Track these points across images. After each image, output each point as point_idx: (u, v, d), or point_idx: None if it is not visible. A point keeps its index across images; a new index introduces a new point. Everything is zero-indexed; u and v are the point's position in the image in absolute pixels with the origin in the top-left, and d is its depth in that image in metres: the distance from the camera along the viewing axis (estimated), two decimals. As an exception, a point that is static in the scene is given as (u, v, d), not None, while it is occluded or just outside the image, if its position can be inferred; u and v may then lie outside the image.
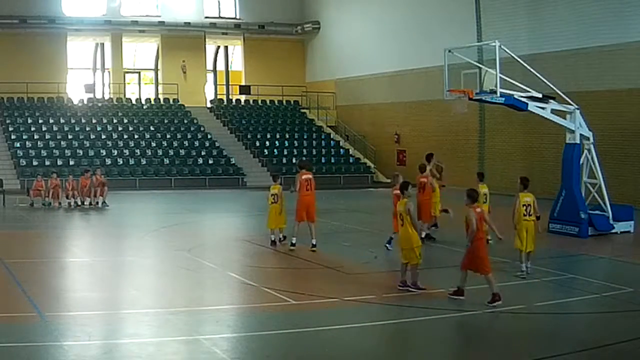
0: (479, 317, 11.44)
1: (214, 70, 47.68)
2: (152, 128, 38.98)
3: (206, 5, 44.08)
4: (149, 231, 20.68)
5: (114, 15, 41.19)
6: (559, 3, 28.70)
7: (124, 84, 43.93)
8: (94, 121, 38.43)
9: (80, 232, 22.21)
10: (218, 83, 47.79)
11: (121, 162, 35.32)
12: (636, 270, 15.65)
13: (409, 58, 36.45)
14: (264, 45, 44.67)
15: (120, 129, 38.23)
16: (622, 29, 25.72)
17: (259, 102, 44.40)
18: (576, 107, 19.67)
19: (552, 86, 19.96)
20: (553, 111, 19.71)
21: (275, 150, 38.91)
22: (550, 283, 13.93)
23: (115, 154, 35.87)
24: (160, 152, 36.87)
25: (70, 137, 36.49)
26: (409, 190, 12.99)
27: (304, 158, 37.23)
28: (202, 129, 39.92)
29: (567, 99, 19.90)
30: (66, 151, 35.10)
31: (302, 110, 44.27)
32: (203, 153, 37.30)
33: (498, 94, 18.71)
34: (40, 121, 37.54)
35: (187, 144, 37.99)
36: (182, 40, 42.92)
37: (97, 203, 26.25)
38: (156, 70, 45.43)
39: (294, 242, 16.77)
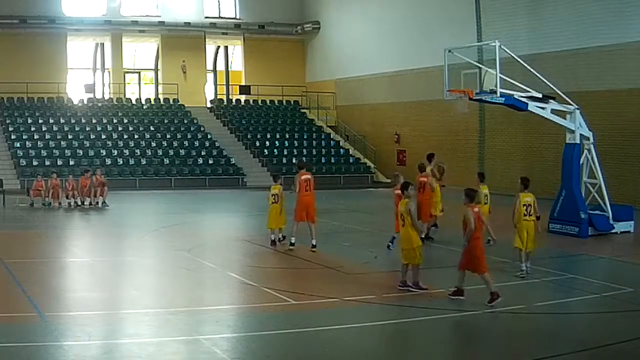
0: (479, 317, 11.43)
1: (214, 70, 47.69)
2: (152, 128, 38.98)
3: (206, 5, 44.09)
4: (149, 231, 20.68)
5: (114, 15, 41.20)
6: (559, 3, 28.70)
7: (124, 84, 43.94)
8: (94, 121, 38.43)
9: (80, 232, 22.22)
10: (218, 83, 47.80)
11: (121, 162, 35.33)
12: (636, 270, 15.65)
13: (409, 58, 36.45)
14: (264, 45, 44.68)
15: (120, 129, 38.23)
16: (622, 29, 25.72)
17: (259, 102, 44.40)
18: (576, 107, 19.67)
19: (552, 86, 19.97)
20: (553, 111, 19.71)
21: (275, 150, 38.92)
22: (550, 283, 13.93)
23: (115, 154, 35.87)
24: (160, 152, 36.87)
25: (70, 137, 36.49)
26: (409, 191, 12.99)
27: (303, 158, 37.34)
28: (202, 129, 39.92)
29: (567, 99, 19.90)
30: (66, 151, 35.10)
31: (302, 110, 44.27)
32: (203, 153, 37.31)
33: (498, 94, 18.71)
34: (40, 121, 37.54)
35: (187, 144, 37.99)
36: (182, 40, 42.92)
37: (97, 203, 26.25)
38: (156, 70, 45.43)
39: (293, 241, 16.78)
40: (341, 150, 40.27)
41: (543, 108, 19.57)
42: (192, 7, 43.18)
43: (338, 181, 37.24)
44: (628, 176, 25.67)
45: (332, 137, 41.54)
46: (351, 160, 39.46)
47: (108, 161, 34.96)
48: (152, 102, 42.98)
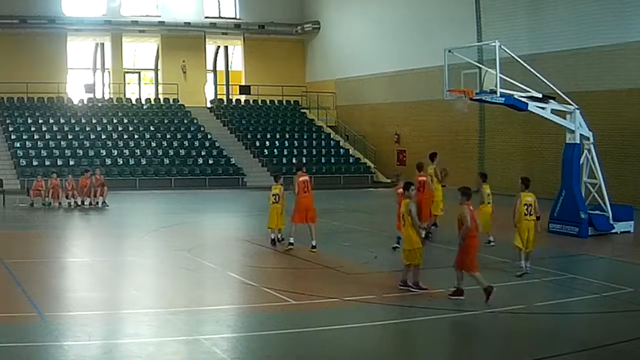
0: (479, 317, 11.44)
1: (214, 70, 47.69)
2: (152, 128, 38.98)
3: (206, 5, 44.08)
4: (149, 231, 20.68)
5: (114, 15, 41.19)
6: (559, 3, 28.70)
7: (124, 84, 43.93)
8: (94, 121, 38.43)
9: (80, 232, 22.22)
10: (218, 83, 47.79)
11: (121, 162, 35.32)
12: (636, 270, 15.65)
13: (409, 58, 36.45)
14: (264, 45, 44.68)
15: (120, 129, 38.22)
16: (622, 29, 25.71)
17: (259, 102, 44.40)
18: (576, 107, 19.67)
19: (552, 86, 19.96)
20: (553, 111, 19.71)
21: (275, 150, 38.91)
22: (550, 283, 13.93)
23: (115, 154, 35.86)
24: (160, 152, 36.87)
25: (70, 137, 36.48)
26: (410, 191, 13.00)
27: (303, 159, 37.37)
28: (202, 129, 39.92)
29: (567, 99, 19.90)
30: (66, 151, 35.10)
31: (302, 110, 44.27)
32: (203, 153, 37.30)
33: (498, 94, 18.72)
34: (40, 121, 37.54)
35: (187, 144, 37.99)
36: (182, 40, 42.92)
37: (97, 203, 26.26)
38: (156, 70, 45.43)
39: (291, 241, 16.77)
40: (341, 150, 40.26)
41: (543, 108, 19.57)
42: (192, 7, 43.18)
43: (338, 181, 37.23)
44: (628, 176, 25.67)
45: (332, 137, 41.53)
46: (351, 160, 39.45)
47: (108, 161, 34.96)
48: (152, 102, 42.97)
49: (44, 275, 14.31)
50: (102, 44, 43.78)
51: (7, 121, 37.05)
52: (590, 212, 19.53)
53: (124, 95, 42.88)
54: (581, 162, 19.84)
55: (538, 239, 14.64)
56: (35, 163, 33.49)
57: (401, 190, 14.32)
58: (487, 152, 32.84)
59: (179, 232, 20.84)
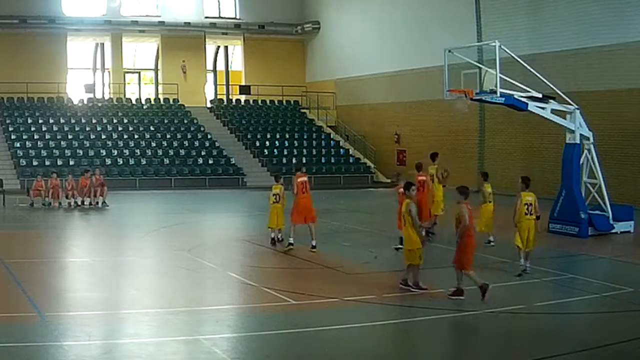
0: (479, 317, 11.43)
1: (214, 70, 47.68)
2: (152, 128, 38.98)
3: (206, 5, 44.08)
4: (149, 231, 20.68)
5: (114, 15, 41.19)
6: (559, 3, 28.70)
7: (124, 84, 43.93)
8: (94, 121, 38.43)
9: (80, 232, 22.22)
10: (218, 83, 47.79)
11: (121, 162, 35.32)
12: (636, 270, 15.65)
13: (409, 58, 36.45)
14: (264, 45, 44.68)
15: (120, 129, 38.22)
16: (622, 29, 25.71)
17: (259, 102, 44.39)
18: (576, 107, 19.67)
19: (552, 86, 19.96)
20: (553, 111, 19.71)
21: (275, 150, 38.91)
22: (550, 283, 13.93)
23: (115, 154, 35.86)
24: (160, 152, 36.87)
25: (70, 137, 36.48)
26: (410, 191, 13.01)
27: (303, 159, 37.40)
28: (202, 129, 39.92)
29: (567, 99, 19.90)
30: (66, 151, 35.09)
31: (302, 110, 44.27)
32: (203, 153, 37.30)
33: (498, 94, 18.72)
34: (40, 121, 37.54)
35: (187, 144, 37.99)
36: (182, 40, 42.92)
37: (97, 203, 26.26)
38: (156, 70, 45.43)
39: (291, 241, 16.76)
40: (341, 150, 40.26)
41: (543, 108, 19.57)
42: (192, 7, 43.18)
43: (338, 181, 37.24)
44: (628, 176, 25.67)
45: (332, 137, 41.53)
46: (351, 160, 39.45)
47: (108, 161, 34.96)
48: (152, 102, 42.97)
49: (44, 275, 14.31)
50: (102, 44, 43.78)
51: (7, 121, 37.06)
52: (590, 212, 19.53)
53: (124, 95, 42.88)
54: (581, 162, 19.84)
55: (538, 238, 14.65)
56: (35, 163, 33.49)
57: (402, 189, 14.34)
58: (487, 152, 32.84)
59: (179, 232, 20.84)
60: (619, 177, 24.76)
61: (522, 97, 19.28)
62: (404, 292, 12.71)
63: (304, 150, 39.34)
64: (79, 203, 26.18)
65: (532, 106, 19.41)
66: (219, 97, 46.64)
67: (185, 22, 42.66)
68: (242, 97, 44.83)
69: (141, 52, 46.14)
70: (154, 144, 37.41)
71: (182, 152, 37.12)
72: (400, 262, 13.53)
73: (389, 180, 34.67)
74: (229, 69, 47.76)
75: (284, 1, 44.99)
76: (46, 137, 36.09)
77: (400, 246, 16.08)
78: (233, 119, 41.89)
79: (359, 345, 10.27)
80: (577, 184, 19.64)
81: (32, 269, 14.88)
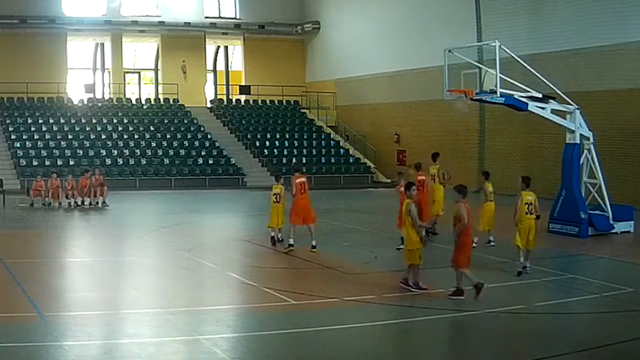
0: (479, 317, 11.43)
1: (214, 70, 47.68)
2: (152, 128, 38.97)
3: (206, 5, 44.08)
4: (149, 231, 20.68)
5: (114, 15, 41.19)
6: (559, 3, 28.69)
7: (124, 84, 43.93)
8: (94, 121, 38.43)
9: (80, 232, 22.22)
10: (218, 83, 47.79)
11: (121, 162, 35.32)
12: (636, 270, 15.65)
13: (409, 58, 36.45)
14: (264, 45, 44.68)
15: (120, 129, 38.22)
16: (622, 29, 25.71)
17: (259, 102, 44.39)
18: (576, 107, 19.67)
19: (552, 86, 19.97)
20: (553, 111, 19.71)
21: (275, 150, 38.91)
22: (550, 283, 13.93)
23: (115, 154, 35.86)
24: (160, 152, 36.87)
25: (70, 137, 36.48)
26: (411, 192, 13.02)
27: (303, 159, 37.41)
28: (202, 129, 39.92)
29: (567, 99, 19.90)
30: (66, 151, 35.09)
31: (302, 110, 44.26)
32: (203, 153, 37.30)
33: (498, 94, 18.72)
34: (40, 121, 37.53)
35: (187, 144, 37.98)
36: (182, 40, 42.92)
37: (97, 203, 26.26)
38: (156, 70, 45.42)
39: (291, 242, 16.75)
40: (341, 150, 40.26)
41: (543, 108, 19.57)
42: (192, 7, 43.18)
43: (338, 181, 37.24)
44: (628, 176, 25.67)
45: (332, 137, 41.53)
46: (351, 160, 39.45)
47: (108, 161, 34.96)
48: (152, 102, 42.97)
49: (44, 275, 14.30)
50: (102, 44, 43.78)
51: (7, 121, 37.05)
52: (590, 212, 19.53)
53: (124, 95, 42.87)
54: (581, 162, 19.84)
55: (538, 238, 14.66)
56: (35, 163, 33.49)
57: (403, 189, 14.37)
58: (487, 152, 32.83)
59: (179, 232, 20.84)
60: (619, 177, 24.76)
61: (522, 97, 19.28)
62: (404, 292, 12.71)
63: (304, 150, 39.33)
64: (79, 203, 26.17)
65: (532, 106, 19.42)
66: (219, 97, 46.64)
67: (185, 22, 42.66)
68: (242, 97, 44.83)
69: (141, 52, 46.14)
70: (154, 144, 37.41)
71: (182, 152, 37.12)
72: (401, 262, 13.53)
73: (389, 180, 34.68)
74: (229, 69, 47.76)
75: (284, 1, 45.00)
76: (46, 137, 36.08)
77: (402, 247, 16.17)
78: (233, 119, 41.89)
79: (359, 345, 10.27)
80: (577, 184, 19.65)
81: (32, 269, 14.88)
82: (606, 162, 21.95)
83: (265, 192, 19.28)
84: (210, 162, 36.64)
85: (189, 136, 38.89)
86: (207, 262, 15.95)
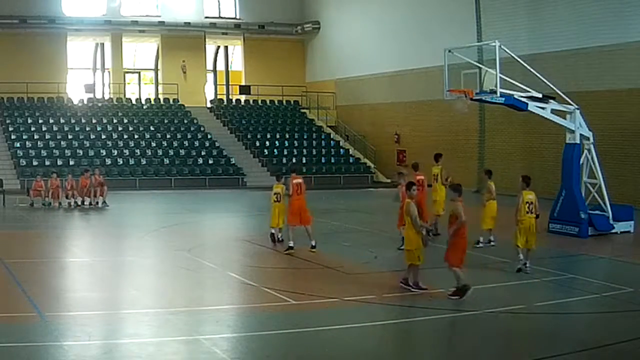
0: (479, 317, 11.43)
1: (214, 70, 47.68)
2: (152, 128, 38.97)
3: (206, 5, 44.08)
4: (149, 231, 20.68)
5: (114, 15, 41.19)
6: (559, 3, 28.69)
7: (124, 84, 43.92)
8: (94, 121, 38.42)
9: (80, 232, 22.21)
10: (218, 83, 47.79)
11: (121, 162, 35.32)
12: (636, 270, 15.65)
13: (409, 58, 36.45)
14: (264, 45, 44.68)
15: (120, 129, 38.22)
16: (622, 29, 25.71)
17: (259, 102, 44.39)
18: (576, 107, 19.67)
19: (552, 86, 19.96)
20: (553, 111, 19.71)
21: (275, 150, 38.91)
22: (550, 283, 13.93)
23: (115, 154, 35.86)
24: (160, 152, 36.86)
25: (70, 137, 36.48)
26: (412, 191, 13.02)
27: (303, 159, 37.39)
28: (202, 129, 39.92)
29: (567, 99, 19.90)
30: (66, 151, 35.09)
31: (302, 110, 44.26)
32: (203, 153, 37.30)
33: (498, 94, 18.72)
34: (40, 121, 37.53)
35: (187, 144, 37.99)
36: (182, 40, 42.92)
37: (97, 203, 26.26)
38: (156, 70, 45.42)
39: (291, 244, 16.72)
40: (341, 150, 40.26)
41: (543, 108, 19.57)
42: (192, 7, 43.17)
43: (338, 181, 37.25)
44: (628, 176, 25.67)
45: (332, 137, 41.53)
46: (351, 160, 39.44)
47: (108, 161, 34.95)
48: (152, 102, 42.96)
49: (44, 275, 14.30)
50: (102, 44, 43.78)
51: (7, 121, 37.05)
52: (590, 212, 19.53)
53: (124, 95, 42.87)
54: (581, 162, 19.84)
55: (538, 238, 14.67)
56: (35, 163, 33.49)
57: (404, 189, 14.39)
58: (487, 152, 32.83)
59: (179, 232, 20.84)
60: (619, 177, 24.76)
61: (522, 97, 19.28)
62: (404, 292, 12.71)
63: (304, 150, 39.33)
64: (79, 203, 26.17)
65: (532, 106, 19.42)
66: (219, 97, 46.64)
67: (185, 22, 42.66)
68: (242, 97, 44.82)
69: (141, 52, 46.14)
70: (154, 144, 37.41)
71: (182, 152, 37.12)
72: (401, 262, 13.53)
73: (389, 180, 34.67)
74: (229, 69, 47.76)
75: (284, 1, 44.99)
76: (46, 137, 36.08)
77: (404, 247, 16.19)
78: (233, 119, 41.89)
79: (359, 345, 10.27)
80: (577, 184, 19.64)
81: (32, 269, 14.88)
82: (606, 162, 21.94)
83: (265, 192, 19.27)
84: (210, 162, 36.64)
85: (189, 136, 38.88)
86: (207, 262, 15.95)
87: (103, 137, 37.06)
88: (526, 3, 30.25)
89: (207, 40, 44.26)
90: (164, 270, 15.62)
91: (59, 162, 33.74)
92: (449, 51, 20.20)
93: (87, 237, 21.10)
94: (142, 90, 45.76)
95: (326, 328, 10.75)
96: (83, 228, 23.06)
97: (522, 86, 19.52)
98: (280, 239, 17.71)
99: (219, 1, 44.98)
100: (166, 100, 42.70)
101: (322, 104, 43.34)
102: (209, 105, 44.19)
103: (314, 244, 16.74)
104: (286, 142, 39.84)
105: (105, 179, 27.96)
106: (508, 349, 10.27)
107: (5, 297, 12.30)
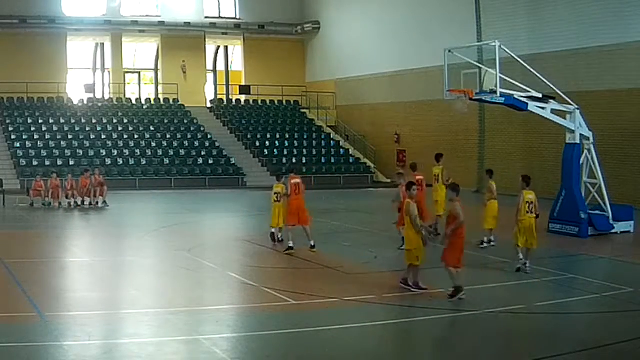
0: (479, 317, 11.43)
1: (214, 70, 47.68)
2: (152, 128, 38.97)
3: (206, 5, 44.08)
4: (149, 231, 20.68)
5: (114, 15, 41.19)
6: (559, 3, 28.69)
7: (124, 84, 43.92)
8: (94, 121, 38.42)
9: (80, 232, 22.21)
10: (218, 83, 47.78)
11: (121, 162, 35.32)
12: (636, 270, 15.65)
13: (409, 58, 36.45)
14: (264, 45, 44.68)
15: (120, 129, 38.22)
16: (622, 29, 25.71)
17: (259, 102, 44.39)
18: (576, 107, 19.67)
19: (552, 86, 19.97)
20: (553, 111, 19.71)
21: (275, 150, 38.91)
22: (550, 283, 13.93)
23: (115, 154, 35.86)
24: (160, 152, 36.86)
25: (70, 137, 36.48)
26: (412, 191, 13.02)
27: (303, 159, 37.39)
28: (202, 129, 39.92)
29: (567, 99, 19.90)
30: (66, 151, 35.09)
31: (302, 110, 44.26)
32: (203, 153, 37.30)
33: (498, 94, 18.72)
34: (40, 121, 37.53)
35: (187, 144, 37.99)
36: (182, 40, 42.92)
37: (97, 203, 26.26)
38: (156, 70, 45.42)
39: (291, 245, 16.72)
40: (341, 150, 40.26)
41: (543, 108, 19.57)
42: (192, 7, 43.18)
43: (338, 181, 37.25)
44: (628, 176, 25.67)
45: (332, 137, 41.53)
46: (351, 160, 39.44)
47: (108, 161, 34.95)
48: (152, 102, 42.96)
49: (44, 275, 14.30)
50: (102, 44, 43.78)
51: (7, 121, 37.05)
52: (590, 212, 19.53)
53: (124, 95, 42.87)
54: (581, 162, 19.84)
55: (538, 238, 14.66)
56: (35, 163, 33.49)
57: (405, 188, 14.40)
58: (487, 152, 32.83)
59: (179, 232, 20.84)
60: (619, 177, 24.76)
61: (522, 97, 19.28)
62: (404, 292, 12.71)
63: (304, 150, 39.33)
64: (79, 203, 26.17)
65: (532, 106, 19.42)
66: (219, 97, 46.63)
67: (185, 22, 42.66)
68: (242, 97, 44.82)
69: (141, 52, 46.13)
70: (154, 144, 37.41)
71: (182, 152, 37.12)
72: (401, 262, 13.53)
73: (389, 180, 34.67)
74: (229, 69, 47.76)
75: (284, 1, 44.99)
76: (46, 137, 36.08)
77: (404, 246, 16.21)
78: (233, 119, 41.89)
79: (359, 345, 10.28)
80: (577, 184, 19.64)
81: (32, 269, 14.88)
82: (606, 162, 21.95)
83: (265, 192, 19.27)
84: (210, 162, 36.64)
85: (189, 136, 38.88)
86: (207, 262, 15.95)
87: (103, 137, 37.06)
88: (526, 3, 30.26)
89: (207, 40, 44.26)
90: (164, 270, 15.62)
91: (59, 162, 33.74)
92: (449, 51, 20.20)
93: (87, 237, 21.10)
94: (142, 90, 45.76)
95: (326, 328, 10.75)
96: (83, 228, 23.06)
97: (522, 86, 19.52)
98: (280, 238, 17.73)
99: (219, 1, 44.98)
100: (166, 100, 42.70)
101: (322, 104, 43.34)
102: (209, 105, 44.18)
103: (313, 244, 16.74)
104: (286, 142, 39.84)
105: (105, 179, 27.97)
106: (508, 349, 10.27)
107: (5, 297, 12.30)
